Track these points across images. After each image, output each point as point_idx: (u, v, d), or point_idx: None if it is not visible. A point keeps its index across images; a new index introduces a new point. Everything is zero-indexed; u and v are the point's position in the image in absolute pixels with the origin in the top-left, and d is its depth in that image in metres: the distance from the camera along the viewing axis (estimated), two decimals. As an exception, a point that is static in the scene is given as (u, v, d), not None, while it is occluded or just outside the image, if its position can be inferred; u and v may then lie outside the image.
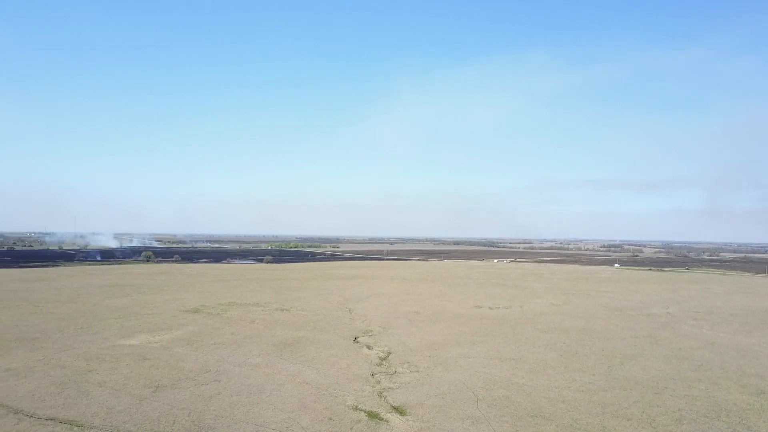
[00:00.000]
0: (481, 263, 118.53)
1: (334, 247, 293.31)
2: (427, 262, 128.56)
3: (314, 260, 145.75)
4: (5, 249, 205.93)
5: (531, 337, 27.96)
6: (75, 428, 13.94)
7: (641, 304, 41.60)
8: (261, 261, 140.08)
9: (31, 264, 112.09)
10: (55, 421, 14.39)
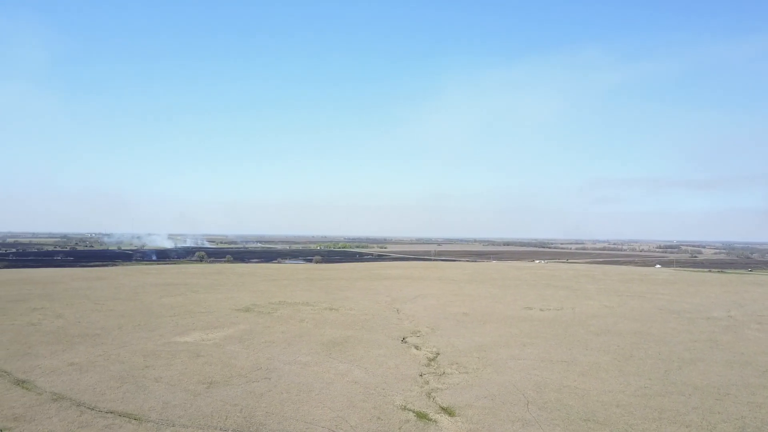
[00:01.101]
0: (531, 264, 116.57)
1: (381, 248, 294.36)
2: (476, 263, 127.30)
3: (362, 260, 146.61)
4: (68, 249, 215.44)
5: (583, 339, 27.29)
6: (133, 421, 14.42)
7: (700, 307, 39.98)
8: (310, 261, 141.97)
9: (92, 263, 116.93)
10: (115, 414, 14.92)
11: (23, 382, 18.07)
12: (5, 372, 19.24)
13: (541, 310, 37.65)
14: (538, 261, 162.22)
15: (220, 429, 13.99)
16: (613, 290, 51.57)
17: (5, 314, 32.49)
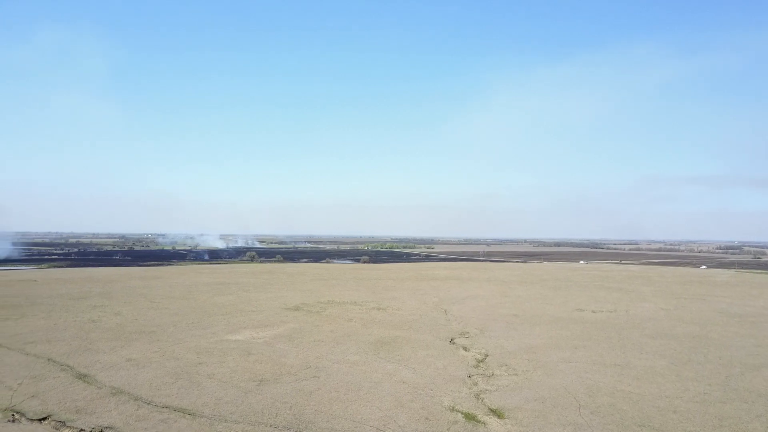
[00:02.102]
0: (581, 265, 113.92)
1: (428, 248, 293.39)
2: (526, 263, 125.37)
3: (409, 261, 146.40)
4: (126, 249, 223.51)
5: (638, 342, 26.45)
6: (187, 416, 14.82)
7: (765, 311, 38.17)
8: (358, 261, 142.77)
9: (148, 263, 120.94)
10: (170, 409, 15.37)
11: (84, 376, 18.84)
12: (68, 366, 20.12)
13: (593, 312, 36.74)
14: (581, 262, 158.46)
15: (271, 426, 14.22)
16: (670, 292, 49.83)
17: (68, 311, 33.97)
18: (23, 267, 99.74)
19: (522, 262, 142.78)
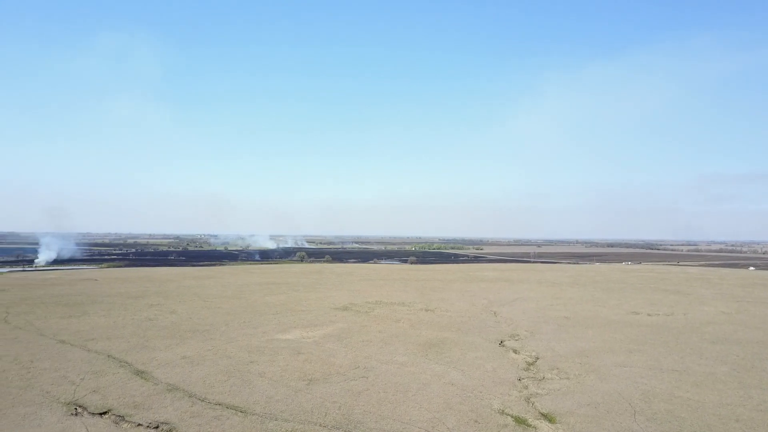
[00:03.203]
0: (638, 267, 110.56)
1: (477, 249, 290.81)
2: (578, 265, 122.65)
3: (457, 262, 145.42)
4: (180, 249, 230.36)
5: (697, 347, 25.44)
6: (239, 414, 15.13)
7: (835, 316, 36.09)
8: (405, 262, 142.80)
9: (202, 263, 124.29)
10: (223, 406, 15.73)
11: (142, 372, 19.49)
12: (127, 363, 20.86)
13: (648, 315, 35.60)
14: (625, 263, 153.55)
15: (320, 425, 14.36)
16: (732, 295, 47.78)
17: (127, 309, 35.25)
18: (85, 267, 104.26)
19: (573, 263, 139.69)
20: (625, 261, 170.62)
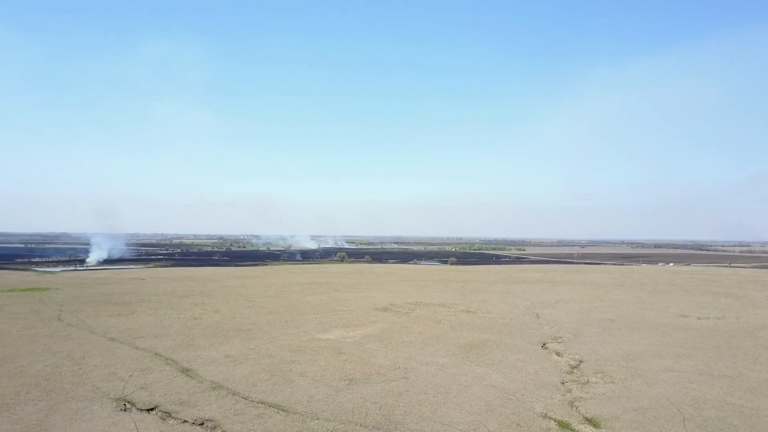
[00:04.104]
0: (686, 268, 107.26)
1: (519, 250, 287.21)
2: (623, 266, 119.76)
3: (499, 263, 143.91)
4: (224, 250, 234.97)
5: (750, 352, 24.48)
6: (281, 412, 15.32)
7: None
8: (445, 262, 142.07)
9: (245, 263, 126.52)
10: (265, 405, 15.95)
11: (187, 370, 19.95)
12: (173, 360, 21.38)
13: (698, 318, 34.47)
14: (661, 264, 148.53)
15: (361, 425, 14.41)
16: (787, 298, 45.83)
17: (172, 308, 36.16)
18: (133, 266, 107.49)
19: (619, 264, 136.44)
20: (660, 262, 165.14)
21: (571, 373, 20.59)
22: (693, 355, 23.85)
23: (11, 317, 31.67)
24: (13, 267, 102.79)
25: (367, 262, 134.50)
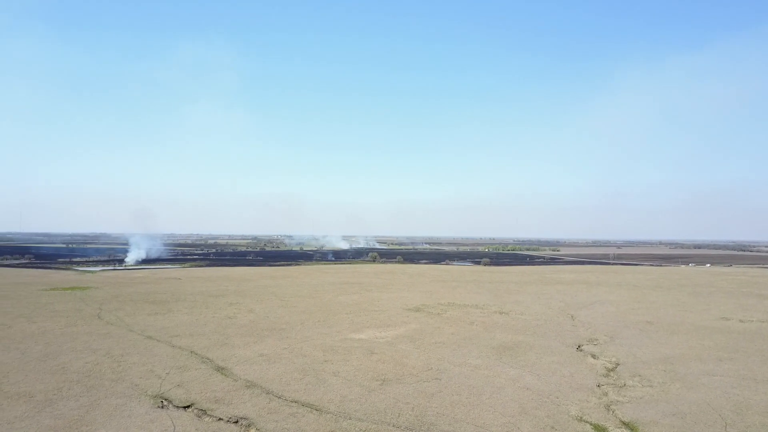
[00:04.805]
0: (728, 269, 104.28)
1: (553, 251, 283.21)
2: (662, 267, 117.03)
3: (533, 263, 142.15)
4: (258, 250, 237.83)
5: (796, 357, 23.63)
6: (314, 411, 15.40)
7: None
8: (478, 263, 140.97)
9: (278, 263, 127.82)
10: (298, 404, 16.07)
11: (222, 369, 20.24)
12: (208, 359, 21.72)
13: (740, 321, 33.46)
14: (692, 264, 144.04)
15: (394, 426, 14.39)
16: (835, 301, 44.15)
17: (208, 307, 36.75)
18: (169, 266, 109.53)
19: (657, 265, 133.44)
20: (691, 262, 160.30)
21: (607, 376, 20.21)
22: (735, 359, 23.16)
23: (54, 315, 32.63)
24: (56, 266, 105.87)
25: (399, 262, 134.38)
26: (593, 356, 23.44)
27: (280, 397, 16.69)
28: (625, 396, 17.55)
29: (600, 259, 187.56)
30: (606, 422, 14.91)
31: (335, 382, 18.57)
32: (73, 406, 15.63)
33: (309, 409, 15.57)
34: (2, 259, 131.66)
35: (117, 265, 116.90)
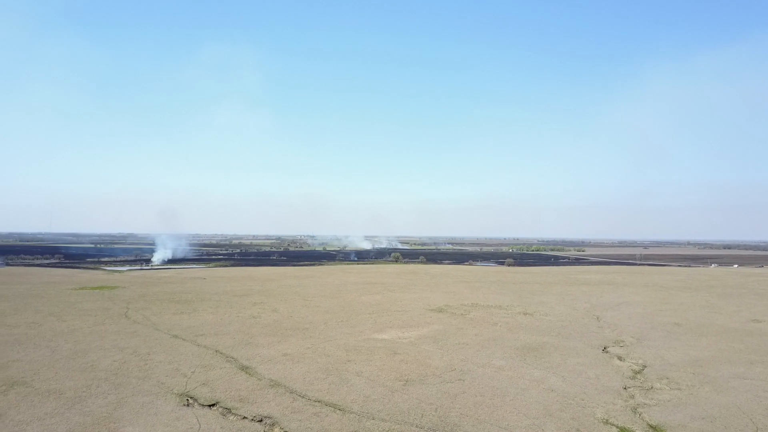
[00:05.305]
0: (759, 270, 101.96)
1: (578, 251, 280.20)
2: (690, 268, 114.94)
3: (557, 264, 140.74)
4: (281, 250, 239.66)
5: (831, 360, 23.00)
6: (338, 411, 15.44)
7: None
8: (502, 263, 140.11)
9: (302, 263, 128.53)
10: (322, 404, 16.12)
11: (246, 368, 20.41)
12: (233, 358, 21.92)
13: (772, 323, 32.67)
14: (712, 265, 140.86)
15: (417, 426, 14.35)
16: None
17: (233, 307, 37.11)
18: (194, 266, 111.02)
19: (685, 266, 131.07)
20: (713, 263, 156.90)
21: (633, 378, 19.90)
22: (767, 362, 22.62)
23: (83, 314, 33.26)
24: (84, 266, 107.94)
25: (422, 262, 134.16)
26: (619, 358, 23.10)
27: (303, 397, 16.77)
28: (652, 399, 17.26)
29: (626, 259, 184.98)
30: (633, 425, 14.67)
31: (358, 382, 18.59)
32: (101, 404, 15.90)
33: (332, 409, 15.61)
34: (33, 259, 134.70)
35: (144, 264, 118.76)
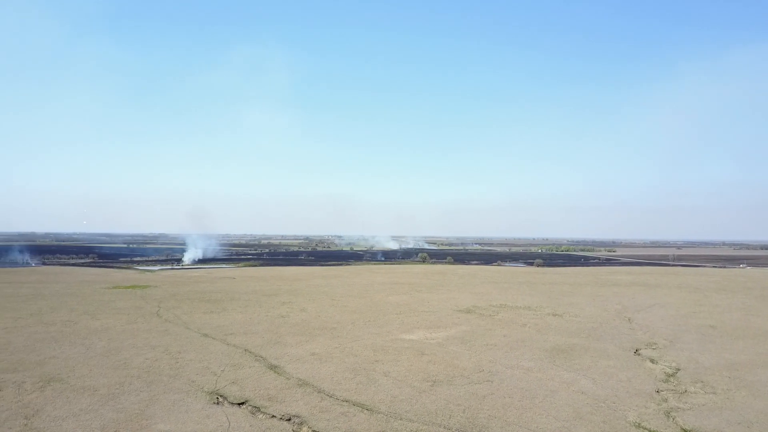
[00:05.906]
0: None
1: (609, 251, 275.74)
2: (725, 269, 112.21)
3: (588, 264, 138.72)
4: (310, 250, 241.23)
5: None
6: (365, 411, 15.46)
7: None
8: (531, 264, 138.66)
9: (329, 263, 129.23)
10: (349, 403, 16.17)
11: (275, 367, 20.58)
12: (261, 357, 22.14)
13: (812, 326, 31.68)
14: (741, 265, 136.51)
15: (445, 427, 14.29)
16: None
17: (261, 306, 37.49)
18: (224, 266, 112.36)
19: (720, 267, 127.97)
20: (743, 263, 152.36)
21: (666, 381, 19.49)
22: (806, 366, 21.93)
23: (116, 312, 33.97)
24: (117, 266, 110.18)
25: (449, 263, 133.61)
26: (652, 361, 22.66)
27: (331, 396, 16.84)
28: (686, 403, 16.88)
29: (658, 260, 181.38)
30: (666, 429, 14.36)
31: (386, 382, 18.59)
32: (134, 401, 16.21)
33: (360, 409, 15.64)
34: (68, 258, 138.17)
35: (175, 264, 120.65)
